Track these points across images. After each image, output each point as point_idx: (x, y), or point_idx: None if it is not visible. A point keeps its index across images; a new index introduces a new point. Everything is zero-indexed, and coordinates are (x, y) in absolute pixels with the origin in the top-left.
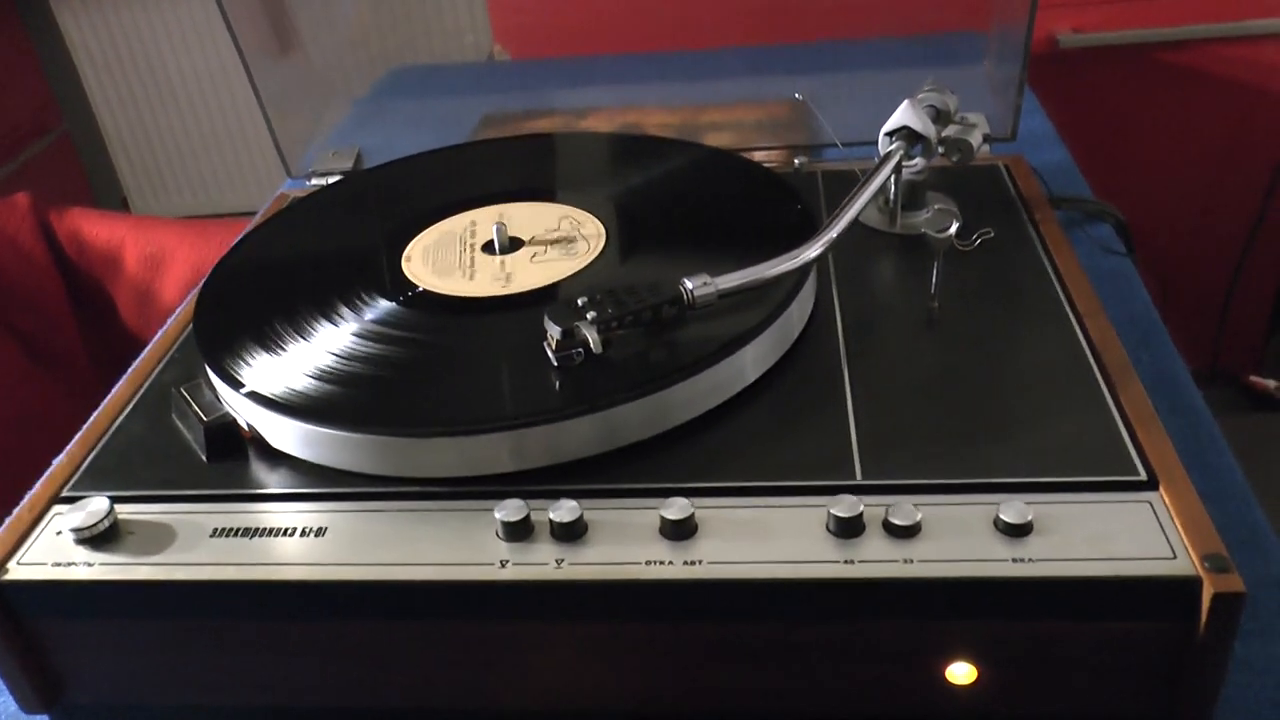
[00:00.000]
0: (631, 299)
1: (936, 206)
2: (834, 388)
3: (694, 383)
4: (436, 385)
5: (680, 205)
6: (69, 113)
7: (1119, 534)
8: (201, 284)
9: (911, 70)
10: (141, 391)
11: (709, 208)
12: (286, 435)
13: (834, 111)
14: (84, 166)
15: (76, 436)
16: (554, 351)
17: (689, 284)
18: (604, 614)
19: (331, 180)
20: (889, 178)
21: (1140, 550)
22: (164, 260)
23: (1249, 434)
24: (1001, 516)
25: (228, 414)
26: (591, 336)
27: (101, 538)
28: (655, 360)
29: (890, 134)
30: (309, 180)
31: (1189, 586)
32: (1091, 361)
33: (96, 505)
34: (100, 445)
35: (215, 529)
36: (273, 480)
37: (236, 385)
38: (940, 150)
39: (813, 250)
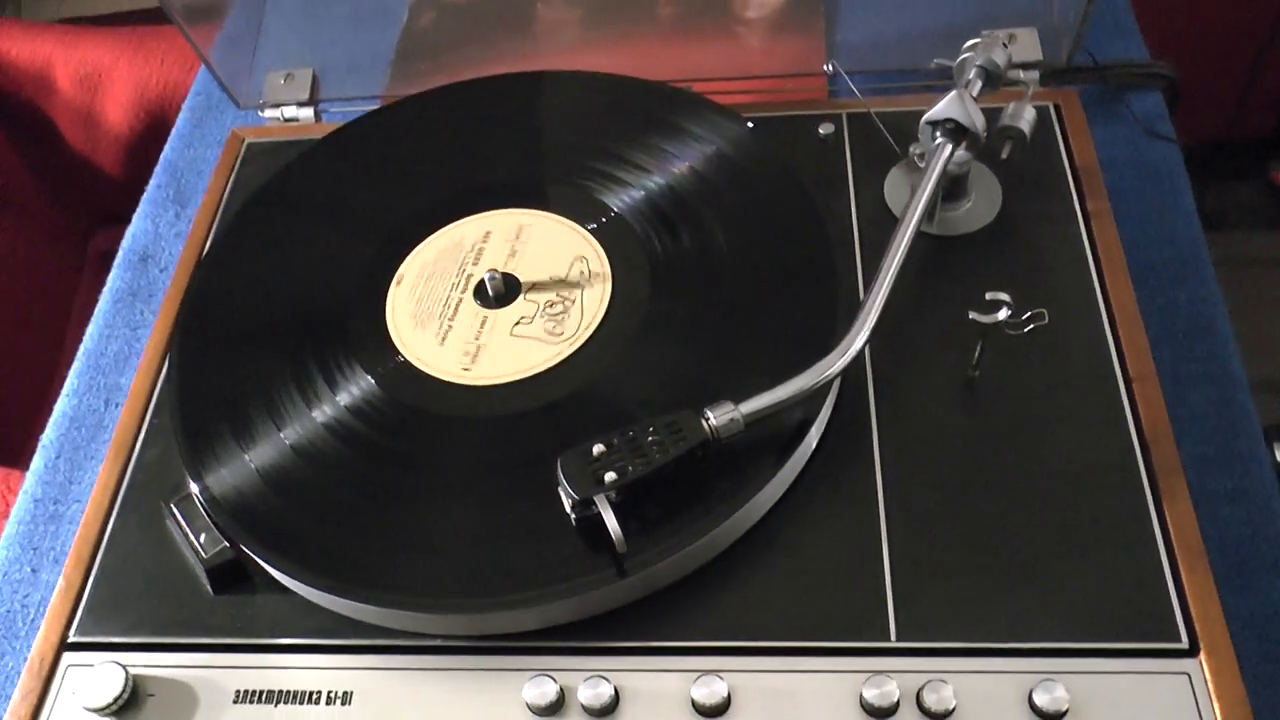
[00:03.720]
0: (653, 448)
1: (976, 215)
2: (867, 505)
3: (732, 522)
4: (442, 530)
5: (702, 247)
6: None
7: (1152, 717)
8: (171, 345)
9: None
10: (126, 480)
11: (736, 258)
12: (293, 585)
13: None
14: None
15: (69, 554)
16: (571, 509)
17: (712, 419)
18: None
19: (286, 111)
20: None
21: None
22: (101, 81)
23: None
24: (1037, 701)
25: (227, 549)
26: (612, 526)
27: (122, 710)
28: (684, 506)
29: (934, 123)
30: (261, 112)
31: None
32: (1140, 464)
33: (111, 678)
34: (96, 567)
35: (238, 691)
36: (285, 617)
37: (230, 539)
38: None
39: (856, 343)
